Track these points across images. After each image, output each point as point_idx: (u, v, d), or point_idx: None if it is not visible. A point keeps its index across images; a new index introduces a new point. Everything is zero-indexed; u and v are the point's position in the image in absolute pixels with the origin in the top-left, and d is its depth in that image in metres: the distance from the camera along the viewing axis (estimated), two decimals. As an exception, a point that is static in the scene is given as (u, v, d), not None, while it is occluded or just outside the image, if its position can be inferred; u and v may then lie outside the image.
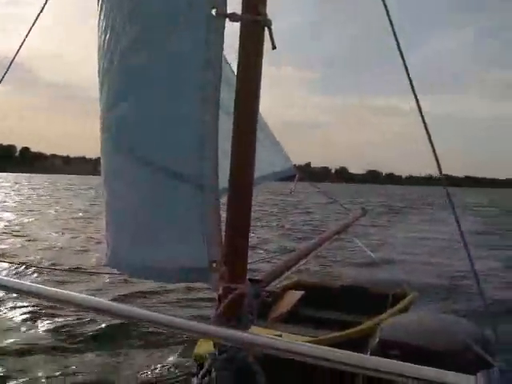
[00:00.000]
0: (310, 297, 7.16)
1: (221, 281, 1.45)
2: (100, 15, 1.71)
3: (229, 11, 1.39)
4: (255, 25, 1.42)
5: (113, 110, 1.63)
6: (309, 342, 4.78)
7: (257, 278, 1.64)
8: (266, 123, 2.80)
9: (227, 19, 1.41)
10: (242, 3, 1.43)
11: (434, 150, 1.51)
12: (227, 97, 1.51)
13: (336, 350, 1.05)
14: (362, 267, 12.69)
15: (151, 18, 1.49)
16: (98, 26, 1.72)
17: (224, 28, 1.41)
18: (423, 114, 1.51)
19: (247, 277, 1.59)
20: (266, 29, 1.43)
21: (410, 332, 2.66)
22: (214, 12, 1.39)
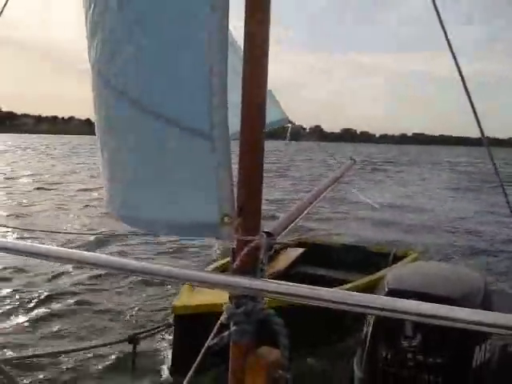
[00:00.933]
0: (311, 254, 7.17)
1: (235, 234, 1.40)
2: None
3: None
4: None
5: (112, 62, 1.52)
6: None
7: (268, 230, 1.59)
8: None
9: None
10: None
11: (475, 113, 1.49)
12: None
13: (355, 293, 1.07)
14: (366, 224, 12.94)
15: None
16: None
17: None
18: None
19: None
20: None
21: (418, 280, 2.67)
22: None
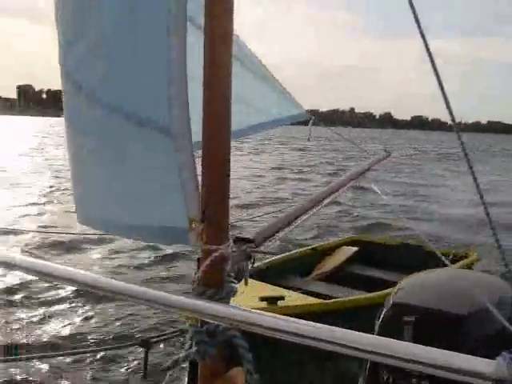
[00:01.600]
0: (364, 254, 6.83)
1: (200, 241, 1.24)
2: None
3: None
4: None
5: (69, 52, 1.42)
6: (319, 304, 4.57)
7: (247, 236, 1.42)
8: (269, 71, 2.58)
9: None
10: None
11: None
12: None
13: (321, 326, 0.90)
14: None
15: None
16: None
17: None
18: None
19: (234, 235, 1.39)
20: None
21: (430, 292, 2.37)
22: None
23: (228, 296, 1.24)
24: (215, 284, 1.23)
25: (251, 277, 5.08)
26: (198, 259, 1.27)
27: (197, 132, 1.24)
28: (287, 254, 6.47)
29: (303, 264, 6.32)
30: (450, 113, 1.14)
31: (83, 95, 1.41)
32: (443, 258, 2.43)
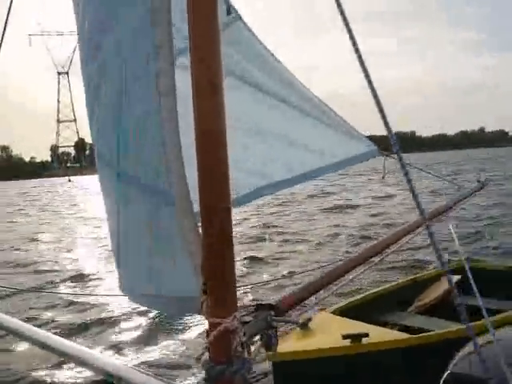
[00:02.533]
0: (468, 282, 6.23)
1: (204, 313, 1.17)
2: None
3: None
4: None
5: (91, 126, 1.51)
6: (403, 339, 4.22)
7: (269, 302, 1.32)
8: (325, 104, 2.36)
9: None
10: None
11: None
12: None
13: None
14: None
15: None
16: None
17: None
18: None
19: (259, 302, 1.31)
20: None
21: (495, 363, 1.97)
22: None
23: (239, 372, 1.14)
24: (224, 360, 1.14)
25: (343, 314, 4.87)
26: (206, 332, 1.19)
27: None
28: (384, 287, 6.10)
29: (402, 297, 5.90)
30: None
31: (105, 164, 1.46)
32: None
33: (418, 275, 6.75)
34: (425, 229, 2.20)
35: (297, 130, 2.09)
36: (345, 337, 4.08)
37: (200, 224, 1.16)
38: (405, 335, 4.42)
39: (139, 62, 1.19)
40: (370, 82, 1.09)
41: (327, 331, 4.33)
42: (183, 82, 1.17)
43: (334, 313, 5.05)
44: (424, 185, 22.29)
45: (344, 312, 5.05)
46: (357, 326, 4.43)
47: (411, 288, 6.16)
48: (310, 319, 4.62)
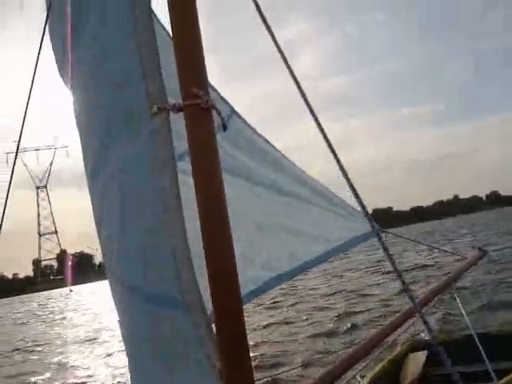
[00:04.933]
0: (434, 355, 6.32)
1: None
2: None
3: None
4: (197, 109, 1.24)
5: (100, 238, 1.59)
6: None
7: None
8: (327, 188, 2.50)
9: (171, 113, 1.27)
10: (180, 91, 1.27)
11: None
12: None
13: None
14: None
15: (100, 139, 1.44)
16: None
17: (169, 122, 1.27)
18: None
19: None
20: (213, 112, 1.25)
21: None
22: (155, 108, 1.26)
23: None
24: None
25: None
26: None
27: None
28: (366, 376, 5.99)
29: (386, 379, 5.84)
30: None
31: (114, 277, 1.51)
32: None
33: (390, 357, 6.67)
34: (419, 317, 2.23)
35: (299, 219, 2.17)
36: None
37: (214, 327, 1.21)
38: None
39: (142, 177, 1.30)
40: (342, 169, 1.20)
41: None
42: (186, 186, 1.27)
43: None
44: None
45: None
46: None
47: (390, 369, 6.12)
48: None
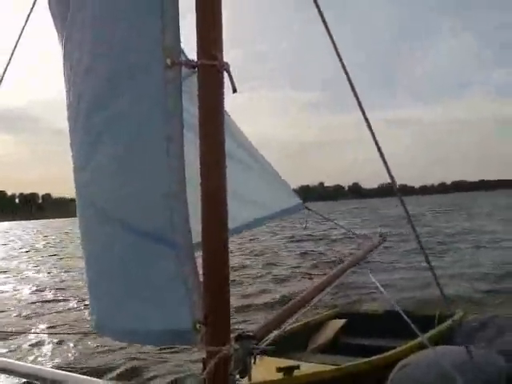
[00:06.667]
0: (353, 325, 7.01)
1: (202, 343, 1.35)
2: (64, 71, 1.69)
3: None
4: (211, 70, 1.35)
5: (81, 171, 1.60)
6: (332, 370, 4.69)
7: (248, 333, 1.53)
8: (263, 159, 2.69)
9: (184, 67, 1.36)
10: (197, 50, 1.36)
11: None
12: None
13: None
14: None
15: (108, 75, 1.46)
16: (64, 81, 1.70)
17: (180, 76, 1.36)
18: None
19: (235, 334, 1.50)
20: (224, 73, 1.37)
21: (428, 376, 2.46)
22: (168, 61, 1.34)
23: None
24: (220, 382, 1.33)
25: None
26: (203, 360, 1.37)
27: (197, 232, 1.37)
28: (280, 331, 6.51)
29: (298, 339, 6.38)
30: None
31: (94, 210, 1.56)
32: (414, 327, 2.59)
33: (308, 320, 7.28)
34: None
35: (242, 184, 2.32)
36: (278, 370, 4.41)
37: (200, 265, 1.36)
38: (331, 366, 4.84)
39: (148, 124, 1.38)
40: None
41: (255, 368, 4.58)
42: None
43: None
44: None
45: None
46: (281, 362, 4.75)
47: (304, 331, 6.66)
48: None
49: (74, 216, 1.70)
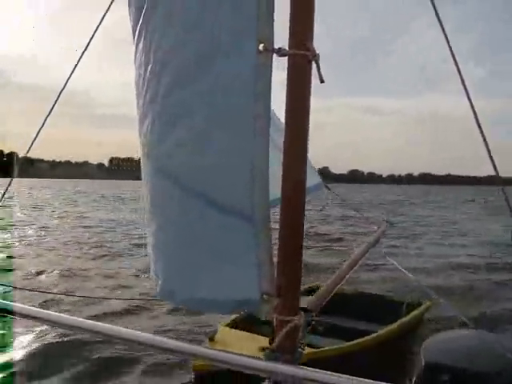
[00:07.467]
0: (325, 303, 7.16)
1: (274, 313, 1.46)
2: (137, 50, 1.71)
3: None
4: (302, 59, 1.43)
5: (159, 144, 1.64)
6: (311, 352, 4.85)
7: (305, 306, 1.65)
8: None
9: (275, 54, 1.42)
10: (289, 39, 1.43)
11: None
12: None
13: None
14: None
15: (199, 51, 1.50)
16: (135, 60, 1.73)
17: (271, 62, 1.42)
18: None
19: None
20: (313, 63, 1.44)
21: (456, 353, 2.64)
22: (261, 47, 1.40)
23: (299, 361, 1.45)
24: (289, 350, 1.44)
25: (234, 327, 5.33)
26: (273, 329, 1.48)
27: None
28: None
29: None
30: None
31: (170, 182, 1.61)
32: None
33: None
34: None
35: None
36: (260, 349, 4.39)
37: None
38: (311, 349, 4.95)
39: (238, 101, 1.44)
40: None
41: (233, 344, 4.69)
42: None
43: (227, 326, 5.52)
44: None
45: (234, 325, 5.53)
46: (254, 338, 4.93)
47: None
48: (215, 332, 4.92)
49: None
